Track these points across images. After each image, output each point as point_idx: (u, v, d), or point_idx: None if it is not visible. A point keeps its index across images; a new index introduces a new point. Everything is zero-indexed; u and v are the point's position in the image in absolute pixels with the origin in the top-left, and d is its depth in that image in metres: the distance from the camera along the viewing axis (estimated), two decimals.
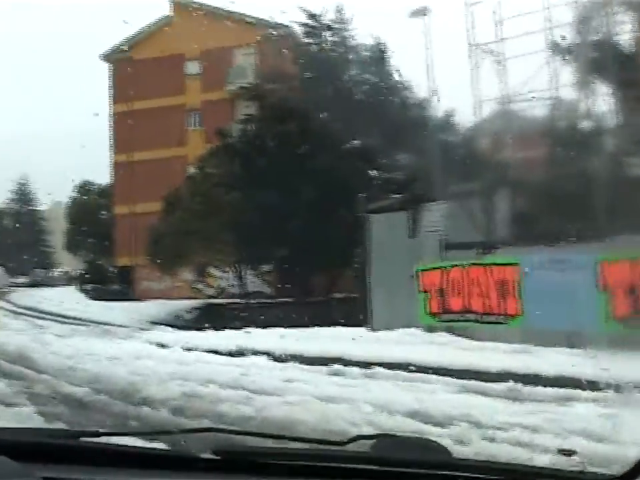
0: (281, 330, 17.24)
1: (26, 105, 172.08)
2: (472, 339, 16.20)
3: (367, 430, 7.01)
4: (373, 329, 16.11)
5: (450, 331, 17.67)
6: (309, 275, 34.92)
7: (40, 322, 29.51)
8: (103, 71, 50.00)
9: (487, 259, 18.10)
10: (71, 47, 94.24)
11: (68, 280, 60.38)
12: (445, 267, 18.84)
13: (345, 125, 29.30)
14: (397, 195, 21.06)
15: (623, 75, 19.54)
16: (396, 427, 7.28)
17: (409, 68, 31.45)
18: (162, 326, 32.49)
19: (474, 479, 1.73)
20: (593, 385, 9.64)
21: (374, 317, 19.35)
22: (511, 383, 10.68)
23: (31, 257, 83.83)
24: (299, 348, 13.43)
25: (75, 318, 33.74)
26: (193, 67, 46.76)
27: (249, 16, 40.20)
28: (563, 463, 3.59)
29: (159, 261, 35.14)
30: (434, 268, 18.88)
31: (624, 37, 20.57)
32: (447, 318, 18.57)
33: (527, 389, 10.40)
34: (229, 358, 13.96)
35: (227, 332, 18.15)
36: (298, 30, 36.68)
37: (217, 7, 39.19)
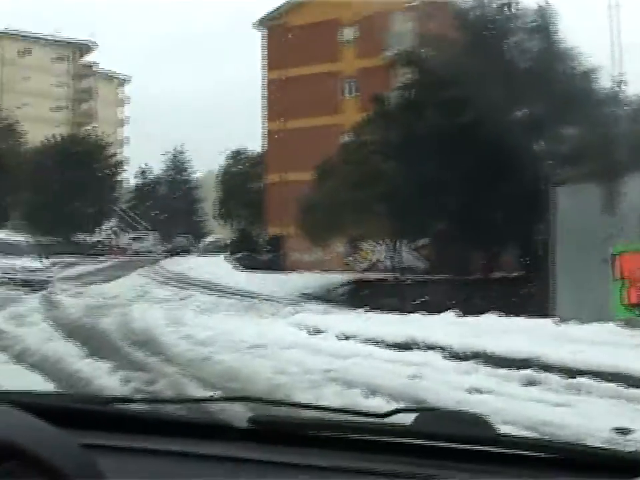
0: (451, 316, 14.77)
1: (180, 74, 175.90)
2: None
3: None
4: (561, 321, 13.49)
5: None
6: (467, 251, 33.17)
7: (187, 291, 28.61)
8: (257, 38, 49.46)
9: None
10: (224, 15, 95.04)
11: (218, 248, 60.66)
12: None
13: (509, 94, 26.90)
14: (588, 165, 18.42)
15: None
16: None
17: (578, 34, 28.72)
18: (312, 301, 31.53)
19: (521, 456, 1.62)
20: None
21: (558, 306, 16.89)
22: None
23: (184, 224, 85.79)
24: (480, 343, 10.90)
25: (222, 288, 33.16)
26: (348, 33, 45.50)
27: None
28: (618, 441, 3.17)
29: (310, 232, 33.62)
30: (635, 250, 16.16)
31: None
32: None
33: None
34: (395, 352, 11.52)
35: (388, 316, 15.74)
36: None
37: None
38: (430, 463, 1.62)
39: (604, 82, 25.12)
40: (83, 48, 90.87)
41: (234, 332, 13.09)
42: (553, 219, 18.50)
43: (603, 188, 16.93)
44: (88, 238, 63.15)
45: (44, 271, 26.70)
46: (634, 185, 16.61)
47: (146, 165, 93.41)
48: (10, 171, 46.88)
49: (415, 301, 29.58)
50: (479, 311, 15.11)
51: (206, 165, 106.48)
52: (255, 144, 54.24)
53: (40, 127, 66.47)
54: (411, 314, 15.69)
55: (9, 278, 24.26)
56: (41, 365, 9.73)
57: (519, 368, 9.50)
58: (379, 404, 7.52)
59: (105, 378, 8.73)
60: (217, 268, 42.15)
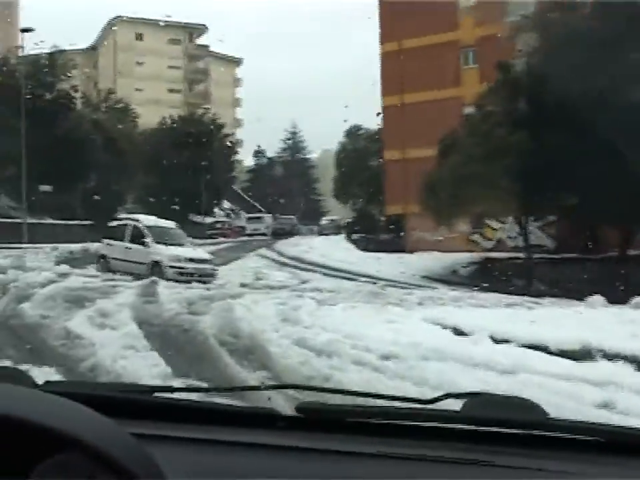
0: (614, 309, 12.67)
1: (292, 54, 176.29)
2: None
3: None
4: None
5: None
6: (599, 228, 31.85)
7: (304, 274, 27.35)
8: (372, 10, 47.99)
9: None
10: None
11: (335, 229, 59.71)
12: None
13: None
14: None
15: None
16: None
17: None
18: (435, 283, 30.06)
19: (571, 440, 1.64)
20: None
21: None
22: None
23: (299, 205, 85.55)
24: None
25: (341, 270, 31.96)
26: (466, 0, 43.33)
27: None
28: None
29: (433, 210, 31.94)
30: None
31: None
32: None
33: None
34: (571, 363, 8.68)
35: (547, 310, 13.60)
36: None
37: None
38: (480, 448, 1.60)
39: None
40: (196, 30, 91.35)
41: (360, 334, 10.33)
42: None
43: None
44: (204, 219, 62.93)
45: (210, 262, 24.23)
46: None
47: (259, 146, 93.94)
48: (125, 154, 46.77)
49: (546, 282, 27.96)
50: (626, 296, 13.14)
51: (321, 144, 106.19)
52: (371, 121, 53.15)
53: (154, 110, 67.00)
54: (566, 301, 13.61)
55: (179, 271, 21.88)
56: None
57: None
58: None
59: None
60: (334, 250, 41.06)
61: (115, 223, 26.15)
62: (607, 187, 25.14)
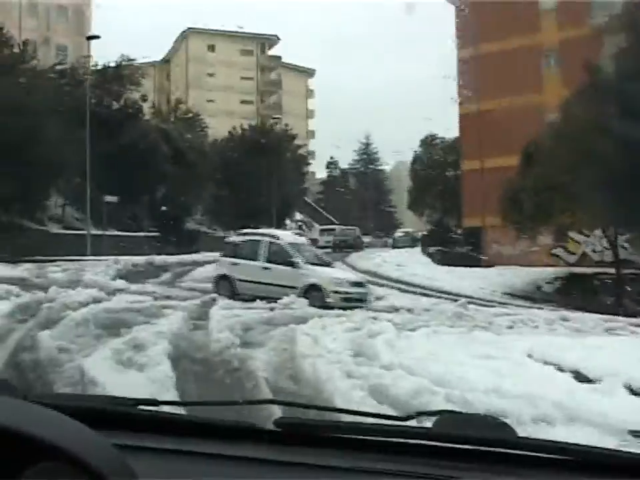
0: None
1: (365, 62, 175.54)
2: None
3: None
4: None
5: None
6: None
7: (378, 289, 25.70)
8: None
9: None
10: None
11: (410, 241, 58.38)
12: None
13: None
14: None
15: None
16: None
17: None
18: (518, 299, 28.32)
19: (539, 458, 1.68)
20: None
21: None
22: None
23: (372, 217, 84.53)
24: None
25: (417, 285, 30.38)
26: (548, 2, 41.29)
27: None
28: (633, 443, 2.88)
29: (515, 222, 30.60)
30: None
31: None
32: None
33: None
34: None
35: None
36: None
37: None
38: (450, 465, 1.64)
39: None
40: (268, 41, 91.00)
41: (452, 377, 7.99)
42: None
43: None
44: None
45: (366, 285, 21.57)
46: None
47: (332, 157, 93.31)
48: (193, 165, 45.80)
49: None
50: None
51: (395, 156, 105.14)
52: (448, 130, 51.53)
53: (227, 121, 66.43)
54: None
55: (343, 297, 18.97)
56: None
57: None
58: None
59: None
60: (409, 263, 39.50)
61: (239, 239, 22.23)
62: None
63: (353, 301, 18.87)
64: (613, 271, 30.52)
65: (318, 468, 1.61)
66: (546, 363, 8.83)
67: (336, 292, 19.14)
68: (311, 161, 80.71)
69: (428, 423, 1.75)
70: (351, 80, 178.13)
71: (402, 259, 41.79)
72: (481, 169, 41.55)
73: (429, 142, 55.61)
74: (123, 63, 43.51)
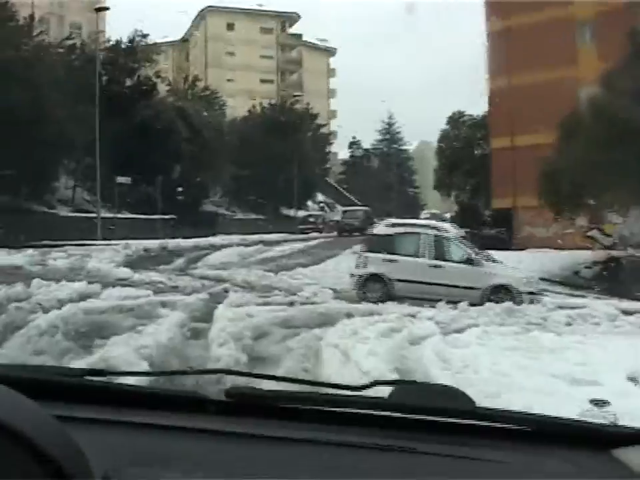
0: None
1: (387, 39, 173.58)
2: None
3: None
4: None
5: None
6: None
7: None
8: None
9: None
10: None
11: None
12: None
13: None
14: None
15: None
16: None
17: None
18: (556, 285, 26.44)
19: (498, 429, 1.68)
20: None
21: None
22: None
23: (396, 198, 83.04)
24: None
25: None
26: None
27: None
28: (594, 414, 2.25)
29: (552, 202, 29.35)
30: None
31: None
32: None
33: None
34: None
35: None
36: None
37: None
38: (407, 435, 1.63)
39: None
40: (289, 19, 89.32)
41: (523, 403, 5.68)
42: None
43: None
44: (296, 213, 60.34)
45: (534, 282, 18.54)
46: None
47: (354, 137, 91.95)
48: (211, 144, 44.07)
49: None
50: None
51: (418, 136, 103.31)
52: (477, 106, 50.00)
53: (247, 101, 65.04)
54: None
55: (533, 298, 16.48)
56: None
57: None
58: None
59: None
60: None
61: (389, 231, 18.78)
62: None
63: (535, 301, 16.41)
64: None
65: (270, 439, 1.58)
66: None
67: (529, 293, 16.70)
68: (332, 141, 79.12)
69: (385, 393, 1.67)
70: (373, 58, 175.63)
71: None
72: (511, 147, 40.17)
73: (456, 119, 53.73)
74: (137, 38, 41.80)
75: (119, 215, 36.99)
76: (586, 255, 32.13)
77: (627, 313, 14.31)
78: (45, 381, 1.76)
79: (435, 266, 17.30)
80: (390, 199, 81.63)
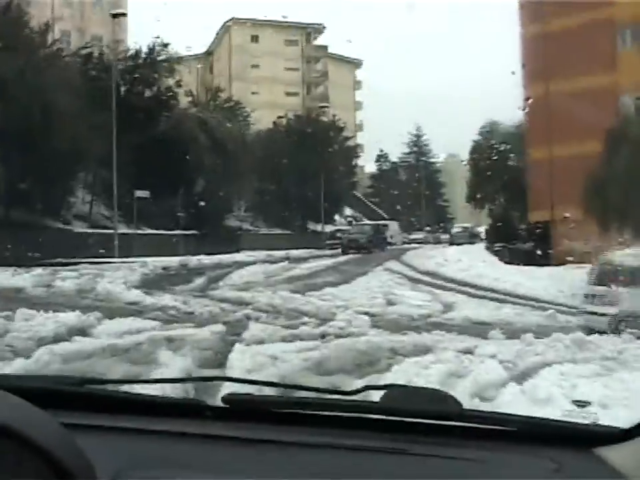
0: None
1: (413, 51, 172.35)
2: None
3: None
4: None
5: None
6: None
7: (444, 294, 22.21)
8: None
9: None
10: None
11: (469, 237, 55.41)
12: None
13: None
14: None
15: None
16: None
17: None
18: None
19: (485, 430, 1.72)
20: None
21: None
22: None
23: (425, 211, 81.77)
24: None
25: (487, 289, 26.63)
26: None
27: None
28: (576, 414, 2.67)
29: (600, 215, 27.60)
30: None
31: None
32: None
33: None
34: None
35: None
36: None
37: None
38: (398, 438, 1.67)
39: None
40: (314, 30, 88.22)
41: None
42: None
43: None
44: (324, 228, 59.17)
45: None
46: None
47: (381, 150, 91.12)
48: (234, 156, 42.68)
49: None
50: None
51: (446, 149, 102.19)
52: (511, 116, 48.52)
53: (272, 113, 63.75)
54: None
55: None
56: None
57: None
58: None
59: None
60: (473, 262, 35.73)
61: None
62: None
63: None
64: None
65: (265, 443, 1.62)
66: None
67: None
68: (359, 154, 77.90)
69: (376, 397, 1.72)
70: (399, 71, 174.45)
71: (464, 257, 38.24)
72: (549, 158, 38.31)
73: (490, 129, 52.30)
74: (157, 47, 40.42)
75: (138, 231, 35.72)
76: None
77: None
78: (45, 389, 1.77)
79: None
80: (419, 212, 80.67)
